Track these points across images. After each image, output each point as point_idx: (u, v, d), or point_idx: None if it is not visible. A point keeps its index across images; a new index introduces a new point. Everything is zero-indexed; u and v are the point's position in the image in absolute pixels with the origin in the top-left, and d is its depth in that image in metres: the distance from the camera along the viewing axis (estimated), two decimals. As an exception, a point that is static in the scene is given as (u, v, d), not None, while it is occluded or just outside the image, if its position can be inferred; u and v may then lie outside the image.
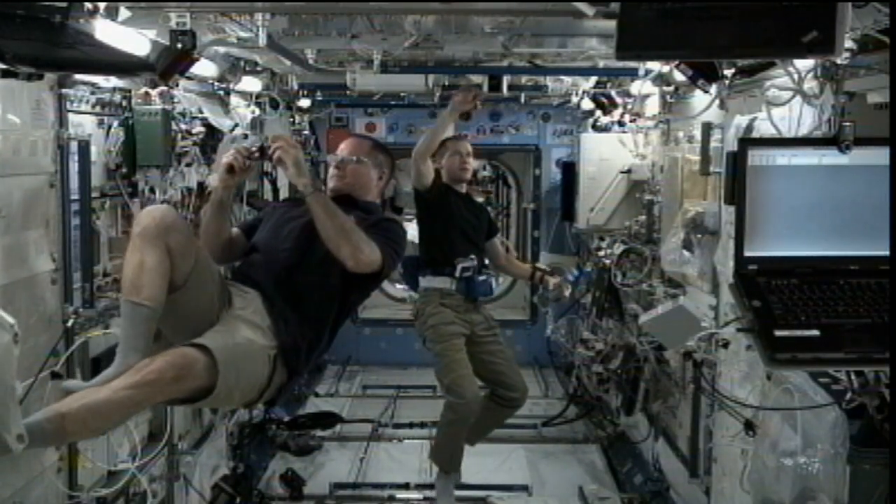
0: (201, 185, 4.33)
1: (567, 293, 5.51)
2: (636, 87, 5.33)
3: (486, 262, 5.36)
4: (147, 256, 2.61)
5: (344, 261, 2.97)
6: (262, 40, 3.38)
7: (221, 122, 4.59)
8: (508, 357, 5.28)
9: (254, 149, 3.04)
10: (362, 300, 3.31)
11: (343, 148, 3.57)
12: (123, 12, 2.80)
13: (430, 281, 5.11)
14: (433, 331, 5.05)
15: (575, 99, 6.51)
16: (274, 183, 5.87)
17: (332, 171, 3.52)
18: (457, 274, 5.02)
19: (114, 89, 3.64)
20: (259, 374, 2.84)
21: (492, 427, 5.38)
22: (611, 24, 2.30)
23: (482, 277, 5.16)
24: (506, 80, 5.75)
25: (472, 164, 5.27)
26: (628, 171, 5.91)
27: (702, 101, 4.17)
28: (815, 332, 2.27)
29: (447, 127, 5.10)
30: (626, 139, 6.01)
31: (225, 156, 3.08)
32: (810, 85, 2.93)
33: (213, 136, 4.45)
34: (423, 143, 4.95)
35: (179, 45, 2.86)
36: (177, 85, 3.94)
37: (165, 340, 2.78)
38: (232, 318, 2.86)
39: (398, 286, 8.23)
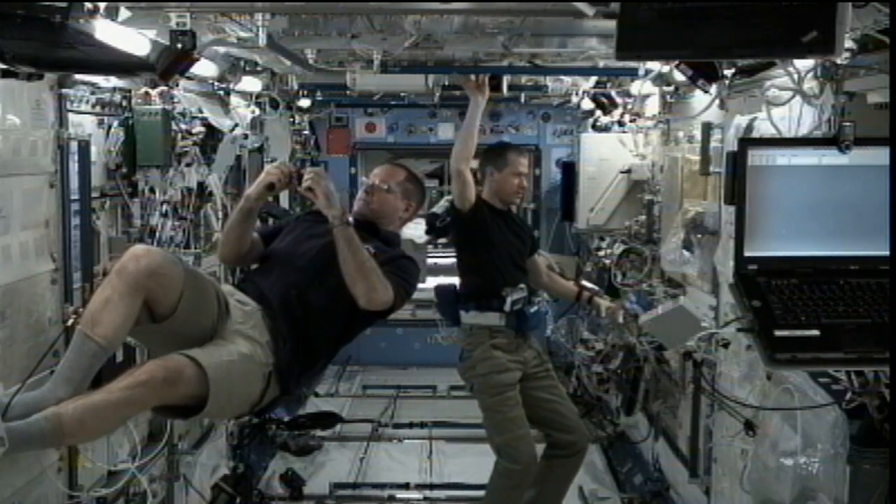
0: (201, 185, 4.33)
1: (621, 320, 4.81)
2: (636, 87, 5.32)
3: (533, 287, 4.70)
4: (116, 296, 2.55)
5: (357, 297, 2.99)
6: (262, 40, 3.38)
7: (221, 122, 4.59)
8: (563, 394, 4.67)
9: (293, 172, 3.10)
10: (363, 330, 3.33)
11: (377, 173, 3.56)
12: (123, 12, 2.80)
13: (476, 317, 4.47)
14: (484, 381, 4.43)
15: (575, 99, 6.50)
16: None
17: (360, 194, 3.53)
18: (506, 308, 4.38)
19: (114, 89, 3.64)
20: (252, 391, 2.85)
21: (562, 490, 4.63)
22: (611, 24, 2.30)
23: (534, 308, 4.52)
24: (506, 80, 5.75)
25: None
26: (628, 171, 5.91)
27: (702, 101, 4.17)
28: (815, 332, 2.27)
29: (479, 119, 4.47)
30: (626, 139, 6.01)
31: (267, 173, 3.11)
32: (810, 85, 2.93)
33: (213, 136, 4.45)
34: (461, 144, 4.37)
35: (179, 45, 2.85)
36: (177, 85, 3.94)
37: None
38: (230, 332, 2.85)
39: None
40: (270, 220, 5.47)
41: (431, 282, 9.27)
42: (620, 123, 5.96)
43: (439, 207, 11.48)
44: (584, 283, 5.05)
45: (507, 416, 4.37)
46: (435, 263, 10.30)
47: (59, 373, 2.52)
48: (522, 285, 4.47)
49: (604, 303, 4.76)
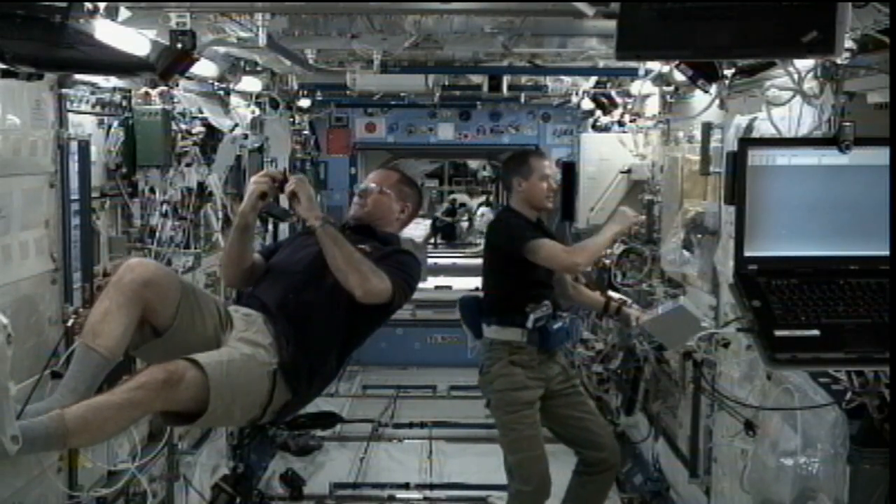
0: (201, 185, 4.33)
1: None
2: (636, 87, 5.33)
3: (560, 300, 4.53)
4: (114, 307, 2.63)
5: (352, 290, 3.00)
6: (262, 40, 3.38)
7: (221, 122, 4.59)
8: (592, 410, 4.51)
9: (280, 177, 3.13)
10: (371, 331, 3.31)
11: (370, 177, 3.62)
12: (123, 12, 2.81)
13: (497, 332, 4.32)
14: (500, 397, 4.30)
15: (575, 99, 6.51)
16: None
17: (355, 199, 3.58)
18: (529, 324, 4.24)
19: (114, 89, 3.64)
20: (257, 389, 2.86)
21: None
22: (611, 24, 2.30)
23: (558, 324, 4.32)
24: (506, 80, 5.76)
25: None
26: (628, 171, 5.91)
27: (702, 101, 4.17)
28: (815, 332, 2.27)
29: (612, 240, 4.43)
30: (626, 139, 6.01)
31: (255, 183, 3.14)
32: (810, 85, 2.93)
33: (213, 136, 4.45)
34: (596, 253, 4.34)
35: (179, 45, 2.86)
36: (177, 85, 3.93)
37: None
38: (232, 339, 2.90)
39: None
40: (270, 221, 5.47)
41: (432, 281, 9.31)
42: (620, 123, 5.96)
43: (442, 213, 11.21)
44: (611, 293, 4.85)
45: (522, 434, 4.25)
46: (435, 263, 10.33)
47: (65, 384, 2.58)
48: (547, 302, 4.29)
49: (633, 313, 4.57)
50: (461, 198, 12.59)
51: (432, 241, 11.95)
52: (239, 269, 3.25)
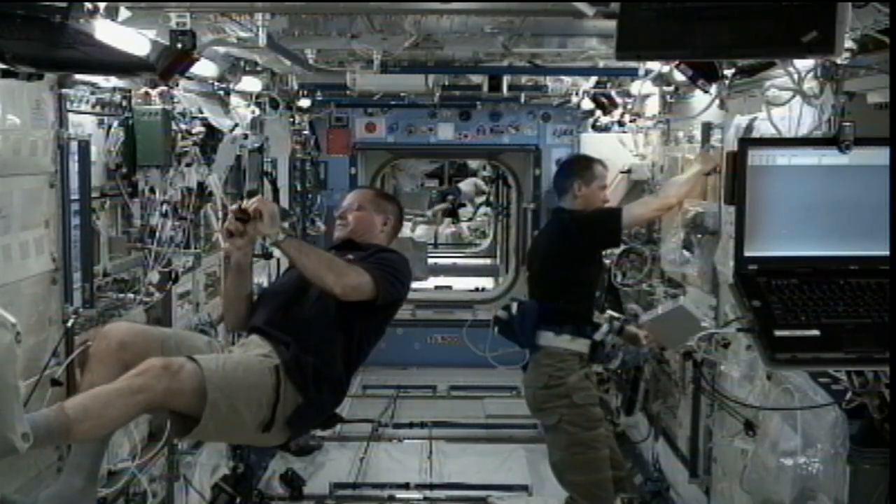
0: (201, 185, 4.32)
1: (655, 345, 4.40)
2: (636, 87, 5.32)
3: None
4: (98, 380, 2.75)
5: (330, 290, 3.05)
6: (262, 40, 3.39)
7: (221, 122, 4.58)
8: (608, 427, 4.50)
9: (240, 209, 3.17)
10: (372, 332, 3.37)
11: (345, 200, 3.70)
12: (123, 12, 2.81)
13: (570, 342, 4.16)
14: (579, 413, 4.07)
15: (575, 99, 6.51)
16: (274, 183, 5.87)
17: (336, 223, 3.64)
18: (598, 336, 4.15)
19: (114, 89, 3.63)
20: (260, 383, 2.88)
21: None
22: (611, 24, 2.31)
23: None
24: (506, 80, 5.76)
25: None
26: (628, 171, 5.91)
27: (702, 101, 4.17)
28: (815, 332, 2.27)
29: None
30: (626, 139, 6.01)
31: (224, 226, 3.24)
32: (810, 85, 2.94)
33: (213, 136, 4.44)
34: (685, 189, 4.24)
35: (179, 45, 2.86)
36: (177, 85, 3.93)
37: None
38: None
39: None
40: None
41: (432, 281, 9.29)
42: (620, 123, 5.96)
43: (465, 185, 11.10)
44: (611, 312, 4.63)
45: (599, 453, 4.11)
46: (435, 263, 10.32)
47: (70, 462, 2.72)
48: (611, 314, 4.25)
49: (641, 333, 4.44)
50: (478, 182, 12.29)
51: (433, 241, 11.94)
52: (239, 308, 3.35)
